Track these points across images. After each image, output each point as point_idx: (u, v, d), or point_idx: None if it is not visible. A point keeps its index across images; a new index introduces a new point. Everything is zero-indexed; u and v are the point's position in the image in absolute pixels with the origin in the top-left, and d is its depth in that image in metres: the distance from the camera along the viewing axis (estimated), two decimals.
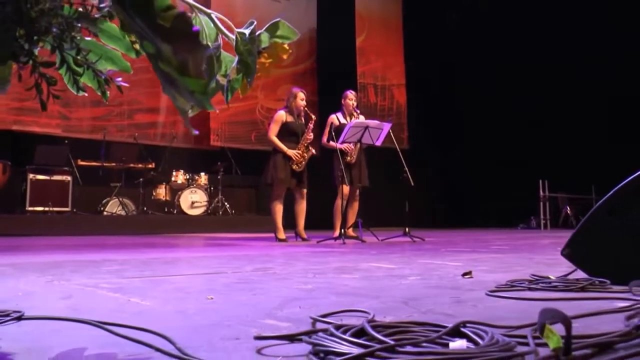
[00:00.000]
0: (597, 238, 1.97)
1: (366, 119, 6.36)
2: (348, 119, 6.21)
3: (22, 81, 0.88)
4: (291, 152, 5.81)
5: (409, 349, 0.83)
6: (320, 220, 6.88)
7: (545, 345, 0.90)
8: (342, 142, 5.92)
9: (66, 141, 8.65)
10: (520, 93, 11.21)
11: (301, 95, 5.99)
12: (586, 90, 10.16)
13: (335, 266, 2.88)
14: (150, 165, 9.23)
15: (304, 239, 5.94)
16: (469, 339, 0.92)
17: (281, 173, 5.77)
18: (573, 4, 10.24)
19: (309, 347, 0.94)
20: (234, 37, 0.97)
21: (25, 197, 7.93)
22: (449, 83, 12.49)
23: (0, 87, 0.97)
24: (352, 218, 6.21)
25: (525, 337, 1.00)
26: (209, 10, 0.94)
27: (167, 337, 1.04)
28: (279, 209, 5.88)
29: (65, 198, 8.20)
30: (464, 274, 2.26)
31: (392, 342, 0.84)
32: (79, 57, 0.89)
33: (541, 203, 10.77)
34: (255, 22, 0.95)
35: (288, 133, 5.90)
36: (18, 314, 1.28)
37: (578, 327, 1.21)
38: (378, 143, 6.01)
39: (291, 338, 1.03)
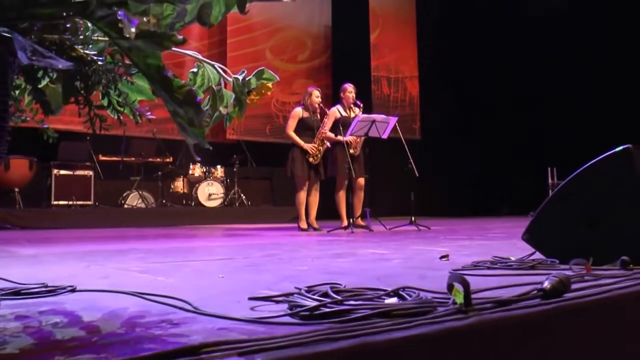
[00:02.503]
0: (550, 223, 2.31)
1: (379, 111, 6.65)
2: (348, 111, 6.49)
3: (82, 116, 1.26)
4: (307, 146, 6.25)
5: (352, 302, 1.18)
6: (332, 211, 7.21)
7: None
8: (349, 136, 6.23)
9: (88, 137, 9.01)
10: (529, 82, 11.41)
11: (316, 93, 6.41)
12: (598, 77, 10.30)
13: (335, 252, 3.24)
14: (168, 160, 9.65)
15: (315, 229, 6.32)
16: (402, 298, 1.27)
17: (298, 167, 6.23)
18: None
19: (287, 305, 1.30)
20: (231, 80, 1.33)
21: (50, 192, 8.39)
22: (460, 75, 12.70)
23: (56, 111, 1.38)
24: (359, 208, 6.48)
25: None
26: (212, 62, 1.30)
27: (186, 300, 1.40)
28: (301, 200, 6.34)
29: (88, 192, 8.64)
30: (442, 257, 2.60)
31: (340, 298, 1.19)
32: (120, 99, 1.25)
33: (550, 191, 11.01)
34: (246, 71, 1.31)
35: (304, 128, 6.34)
36: (72, 287, 1.66)
37: (502, 294, 1.55)
38: (384, 136, 6.30)
39: (275, 299, 1.40)
